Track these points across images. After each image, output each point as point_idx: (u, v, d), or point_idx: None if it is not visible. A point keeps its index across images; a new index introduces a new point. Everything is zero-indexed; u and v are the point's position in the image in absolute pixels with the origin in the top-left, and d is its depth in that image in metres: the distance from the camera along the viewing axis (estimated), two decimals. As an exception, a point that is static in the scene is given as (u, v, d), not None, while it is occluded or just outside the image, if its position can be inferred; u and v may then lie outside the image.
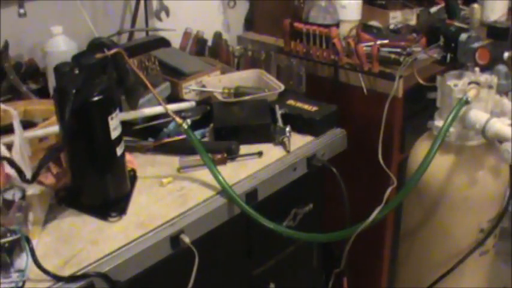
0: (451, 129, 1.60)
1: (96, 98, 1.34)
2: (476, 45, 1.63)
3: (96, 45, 1.47)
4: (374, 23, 2.37)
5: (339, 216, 1.65)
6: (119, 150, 1.43)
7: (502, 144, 1.43)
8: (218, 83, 1.96)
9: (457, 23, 1.77)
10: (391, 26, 2.39)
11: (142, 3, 2.23)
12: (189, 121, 1.56)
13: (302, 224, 1.77)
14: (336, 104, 1.85)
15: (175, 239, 1.40)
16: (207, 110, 1.83)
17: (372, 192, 1.73)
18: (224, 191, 1.51)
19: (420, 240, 1.69)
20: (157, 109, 1.68)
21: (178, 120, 1.53)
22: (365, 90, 2.05)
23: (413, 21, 2.47)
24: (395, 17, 2.45)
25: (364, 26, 2.31)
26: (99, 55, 1.42)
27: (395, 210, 1.92)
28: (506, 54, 1.63)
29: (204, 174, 1.56)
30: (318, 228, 1.77)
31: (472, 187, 1.60)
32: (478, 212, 1.63)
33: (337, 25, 2.23)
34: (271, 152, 1.70)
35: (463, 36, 1.66)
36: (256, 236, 1.72)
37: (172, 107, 1.79)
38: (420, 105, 2.02)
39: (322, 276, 1.94)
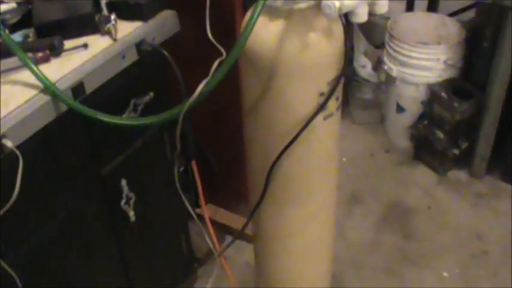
0: (277, -7, 1.55)
1: None
2: None
3: None
4: None
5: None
6: None
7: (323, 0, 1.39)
8: (41, -21, 1.82)
9: None
10: None
11: None
12: (-2, 20, 1.46)
13: (145, 114, 1.70)
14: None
15: (-4, 146, 1.33)
16: (29, 9, 1.71)
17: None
18: (46, 88, 1.43)
19: (262, 114, 1.65)
20: (-32, 14, 1.56)
21: (-14, 20, 1.44)
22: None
23: None
24: None
25: None
26: None
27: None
28: None
29: (27, 75, 1.47)
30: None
31: (305, 51, 1.56)
32: (315, 76, 1.59)
33: None
34: (98, 43, 1.61)
35: None
36: (96, 133, 1.65)
37: (-13, 10, 1.68)
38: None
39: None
